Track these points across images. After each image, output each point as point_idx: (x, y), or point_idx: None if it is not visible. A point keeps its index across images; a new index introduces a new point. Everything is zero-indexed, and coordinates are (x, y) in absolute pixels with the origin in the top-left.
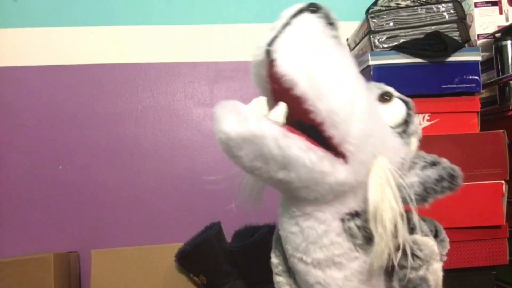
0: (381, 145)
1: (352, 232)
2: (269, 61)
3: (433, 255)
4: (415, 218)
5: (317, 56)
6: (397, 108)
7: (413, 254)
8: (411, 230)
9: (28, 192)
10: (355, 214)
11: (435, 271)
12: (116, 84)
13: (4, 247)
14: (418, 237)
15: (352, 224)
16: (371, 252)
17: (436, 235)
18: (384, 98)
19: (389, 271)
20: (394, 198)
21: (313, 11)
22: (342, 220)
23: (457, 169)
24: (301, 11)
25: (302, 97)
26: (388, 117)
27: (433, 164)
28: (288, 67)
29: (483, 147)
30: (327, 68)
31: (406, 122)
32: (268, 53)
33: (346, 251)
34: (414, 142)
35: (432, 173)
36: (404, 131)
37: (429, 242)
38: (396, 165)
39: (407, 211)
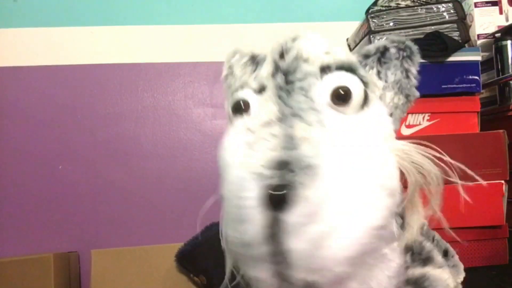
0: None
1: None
2: None
3: None
4: (428, 246)
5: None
6: (356, 96)
7: None
8: (423, 261)
9: (28, 192)
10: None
11: None
12: (116, 84)
13: (4, 247)
14: (431, 270)
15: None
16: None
17: (445, 258)
18: (342, 98)
19: None
20: (426, 164)
21: (279, 195)
22: None
23: (402, 41)
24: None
25: None
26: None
27: (382, 54)
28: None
29: (483, 147)
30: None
31: (366, 96)
32: None
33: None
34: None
35: (391, 71)
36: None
37: (444, 276)
38: (391, 135)
39: (419, 241)
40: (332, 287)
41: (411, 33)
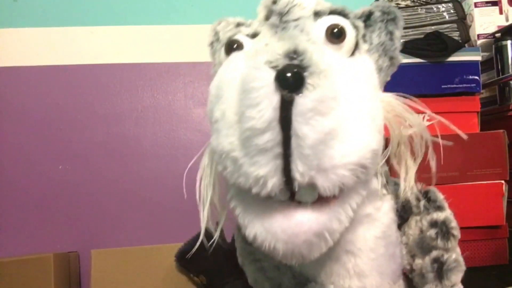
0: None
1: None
2: None
3: (459, 236)
4: (440, 195)
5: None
6: (349, 37)
7: (448, 233)
8: (439, 208)
9: (28, 192)
10: None
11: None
12: (116, 84)
13: (4, 247)
14: (449, 214)
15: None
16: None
17: None
18: (336, 37)
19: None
20: (411, 118)
21: None
22: None
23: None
24: None
25: None
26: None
27: (367, 17)
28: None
29: (483, 147)
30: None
31: (357, 42)
32: None
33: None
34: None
35: (375, 33)
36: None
37: (455, 222)
38: (377, 87)
39: (433, 190)
40: (329, 194)
41: (411, 33)
